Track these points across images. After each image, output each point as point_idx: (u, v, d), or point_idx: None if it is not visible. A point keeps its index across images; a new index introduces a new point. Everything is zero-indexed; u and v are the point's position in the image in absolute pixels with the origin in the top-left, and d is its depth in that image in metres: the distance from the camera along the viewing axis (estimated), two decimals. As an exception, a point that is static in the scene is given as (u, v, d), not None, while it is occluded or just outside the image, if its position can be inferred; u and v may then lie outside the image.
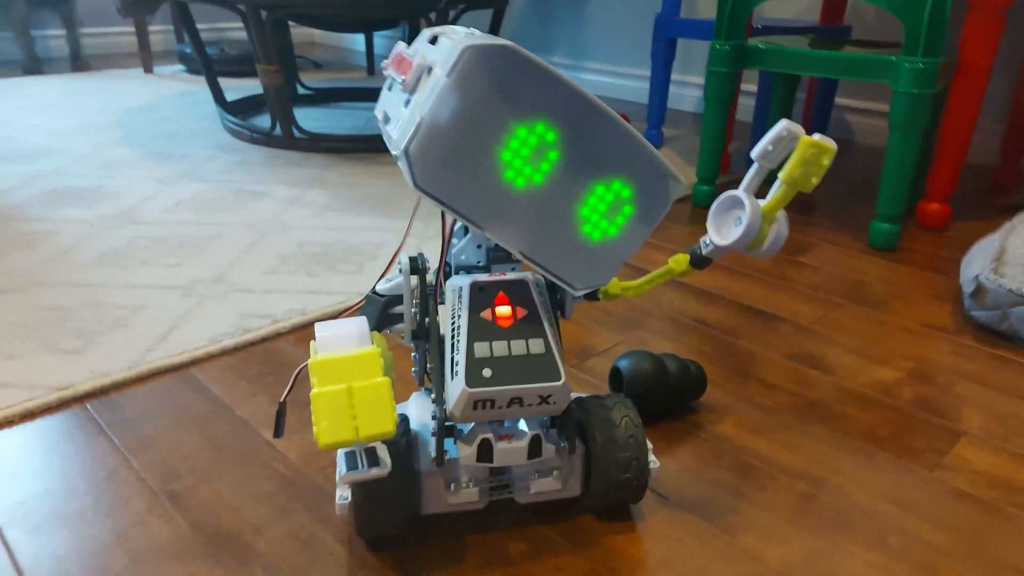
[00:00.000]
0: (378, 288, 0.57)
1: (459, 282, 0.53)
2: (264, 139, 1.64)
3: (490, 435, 0.51)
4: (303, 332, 0.86)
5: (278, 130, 1.62)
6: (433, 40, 0.49)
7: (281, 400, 0.52)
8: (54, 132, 1.72)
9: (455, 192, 0.46)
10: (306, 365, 0.47)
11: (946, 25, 1.04)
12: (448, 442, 0.53)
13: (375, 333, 0.51)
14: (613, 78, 2.36)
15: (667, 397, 0.70)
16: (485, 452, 0.51)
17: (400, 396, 0.69)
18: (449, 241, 0.56)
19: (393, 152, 0.46)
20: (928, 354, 0.85)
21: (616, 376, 0.72)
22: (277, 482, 0.62)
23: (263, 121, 1.79)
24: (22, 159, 1.50)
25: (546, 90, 0.45)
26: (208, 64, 1.76)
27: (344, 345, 0.47)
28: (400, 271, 0.55)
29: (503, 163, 0.46)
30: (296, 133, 1.61)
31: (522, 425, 0.53)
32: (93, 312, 0.87)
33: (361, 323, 0.49)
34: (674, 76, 2.19)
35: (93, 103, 2.04)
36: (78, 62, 2.61)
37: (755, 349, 0.85)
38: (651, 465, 0.57)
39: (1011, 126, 1.49)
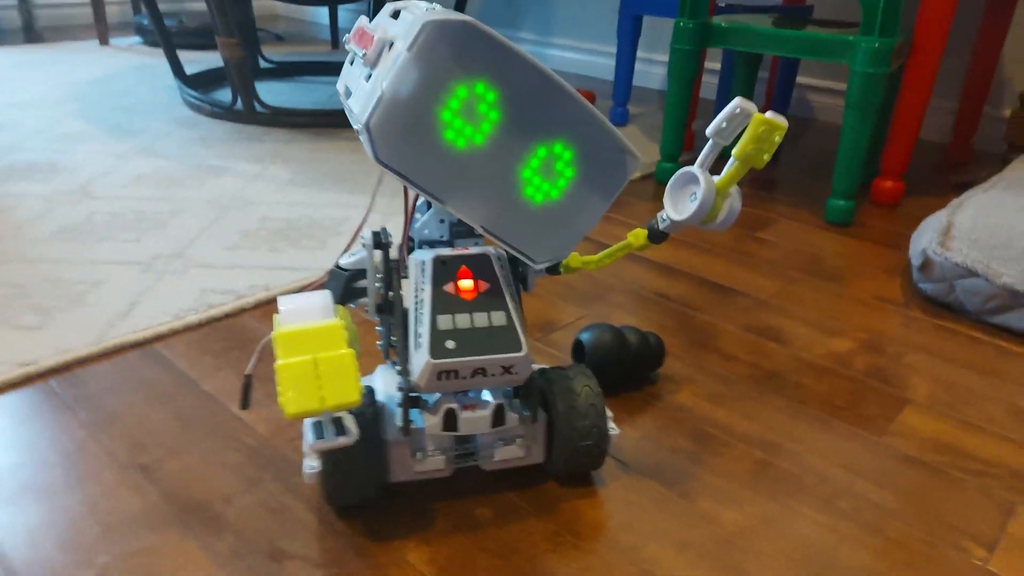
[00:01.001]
0: (341, 262, 0.58)
1: (422, 256, 0.54)
2: (225, 113, 1.62)
3: (455, 405, 0.53)
4: (267, 308, 0.86)
5: (239, 104, 1.59)
6: (395, 15, 0.50)
7: (246, 372, 0.53)
8: (6, 105, 1.67)
9: (415, 165, 0.47)
10: (270, 337, 0.47)
11: (900, 6, 1.06)
12: (414, 412, 0.54)
13: (339, 306, 0.52)
14: (580, 54, 2.36)
15: (627, 368, 0.72)
16: (450, 421, 0.53)
17: (366, 369, 0.70)
18: (412, 216, 0.57)
19: (355, 126, 0.47)
20: (879, 326, 0.88)
21: (578, 348, 0.73)
22: (245, 454, 0.62)
23: (224, 95, 1.76)
24: (-26, 133, 1.46)
25: (502, 62, 0.46)
26: (167, 36, 1.72)
27: (308, 318, 0.48)
28: (363, 245, 0.55)
29: (443, 123, 0.46)
30: (258, 107, 1.59)
31: (486, 395, 0.54)
32: (52, 288, 0.86)
33: (325, 296, 0.50)
34: (640, 54, 2.20)
35: (47, 76, 1.98)
36: (31, 34, 2.54)
37: (714, 322, 0.87)
38: (611, 432, 0.58)
39: (963, 105, 1.53)
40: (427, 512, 0.57)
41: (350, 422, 0.47)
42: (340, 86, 0.55)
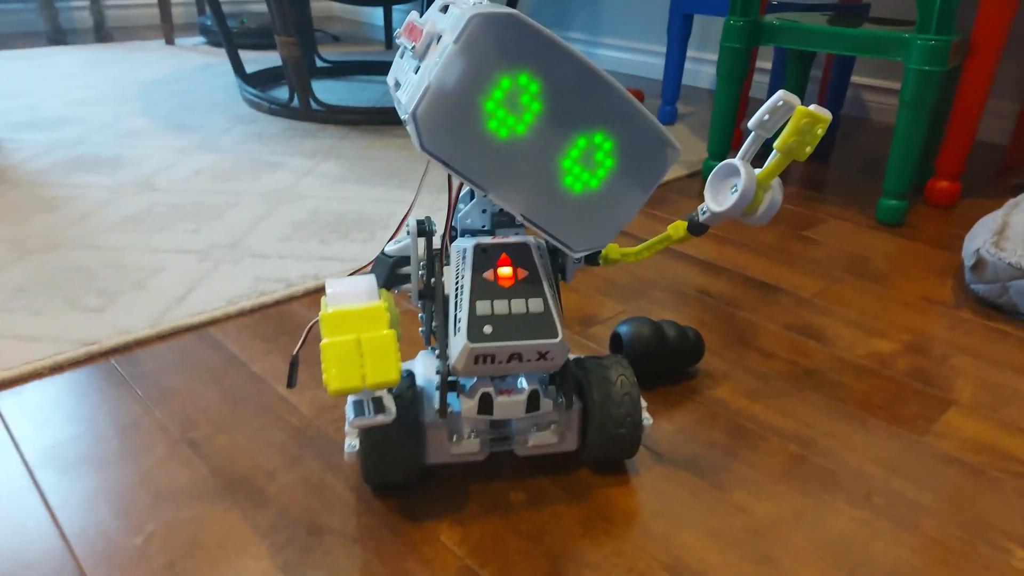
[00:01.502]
0: (387, 250, 0.60)
1: (463, 244, 0.55)
2: (282, 111, 1.67)
3: (491, 389, 0.54)
4: (316, 296, 0.88)
5: (295, 102, 1.64)
6: (444, 9, 0.52)
7: (294, 353, 0.55)
8: (75, 101, 1.75)
9: (459, 154, 0.48)
10: (317, 320, 0.49)
11: (957, 3, 1.04)
12: (451, 396, 0.56)
13: (383, 290, 0.54)
14: (629, 54, 2.36)
15: (665, 361, 0.72)
16: (486, 405, 0.54)
17: (408, 355, 0.72)
18: (455, 205, 0.58)
19: (403, 116, 0.49)
20: (926, 327, 0.87)
21: (616, 341, 0.74)
22: (290, 433, 0.65)
23: (282, 93, 1.81)
24: (44, 127, 1.53)
25: (547, 55, 0.47)
26: (228, 36, 1.78)
27: (353, 300, 0.50)
28: (408, 233, 0.57)
29: (487, 113, 0.48)
30: (313, 105, 1.63)
31: (522, 381, 0.56)
32: (115, 273, 0.91)
33: (370, 280, 0.52)
34: (691, 53, 2.19)
35: (114, 74, 2.07)
36: (102, 33, 2.64)
37: (755, 319, 0.87)
38: (645, 422, 0.59)
39: (1026, 106, 1.49)
40: (461, 494, 0.58)
41: (389, 401, 0.49)
42: (390, 79, 0.57)
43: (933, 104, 1.10)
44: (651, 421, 0.60)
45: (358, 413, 0.49)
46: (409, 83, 0.50)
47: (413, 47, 0.50)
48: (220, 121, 1.62)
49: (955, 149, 1.20)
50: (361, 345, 0.47)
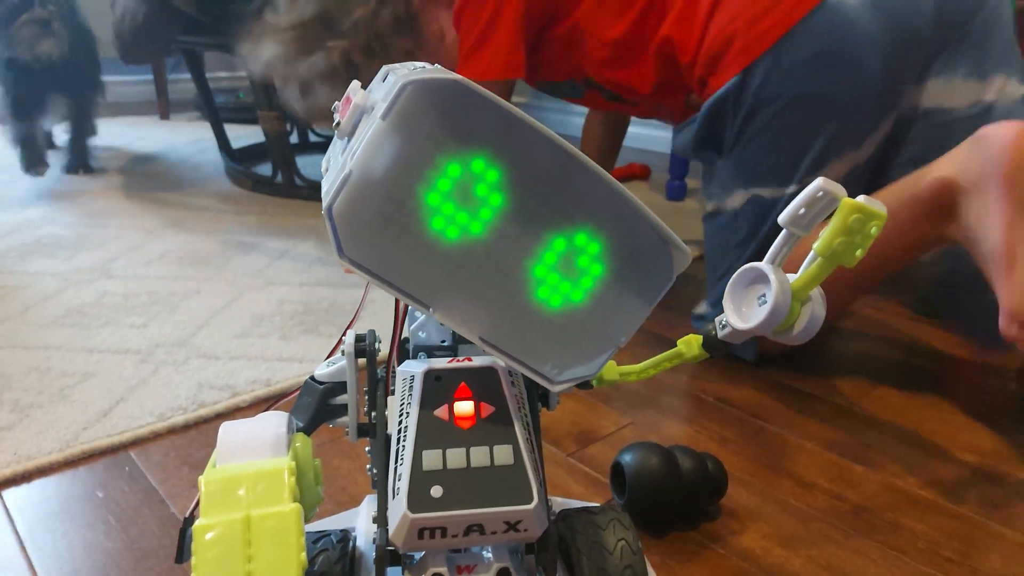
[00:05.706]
0: (317, 374, 0.47)
1: (412, 369, 0.42)
2: (265, 187, 1.57)
3: (443, 569, 0.40)
4: (264, 405, 0.75)
5: (279, 178, 1.55)
6: (386, 78, 0.40)
7: (186, 515, 0.42)
8: (48, 178, 1.65)
9: (391, 263, 0.36)
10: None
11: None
12: (394, 572, 0.42)
13: (300, 435, 0.41)
14: (635, 126, 2.27)
15: (679, 501, 0.58)
16: (437, 590, 0.40)
17: (355, 499, 0.59)
18: (405, 316, 0.46)
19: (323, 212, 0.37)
20: (994, 444, 0.72)
21: (618, 473, 0.60)
22: (198, 605, 0.51)
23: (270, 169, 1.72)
24: (12, 206, 1.43)
25: (507, 133, 0.35)
26: (213, 108, 1.70)
27: (252, 455, 0.37)
28: (343, 353, 0.45)
29: (429, 208, 0.36)
30: (297, 182, 1.54)
31: (488, 552, 0.42)
32: (38, 380, 0.78)
33: (278, 424, 0.39)
34: (699, 125, 2.10)
35: (99, 149, 1.99)
36: (96, 109, 2.59)
37: (787, 436, 0.73)
38: (654, 603, 0.45)
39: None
40: None
41: (294, 599, 0.35)
42: (324, 163, 0.45)
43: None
44: (662, 601, 0.45)
45: (248, 620, 0.35)
46: (332, 168, 0.39)
47: (339, 123, 0.38)
48: (199, 199, 1.52)
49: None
50: (250, 528, 0.34)
